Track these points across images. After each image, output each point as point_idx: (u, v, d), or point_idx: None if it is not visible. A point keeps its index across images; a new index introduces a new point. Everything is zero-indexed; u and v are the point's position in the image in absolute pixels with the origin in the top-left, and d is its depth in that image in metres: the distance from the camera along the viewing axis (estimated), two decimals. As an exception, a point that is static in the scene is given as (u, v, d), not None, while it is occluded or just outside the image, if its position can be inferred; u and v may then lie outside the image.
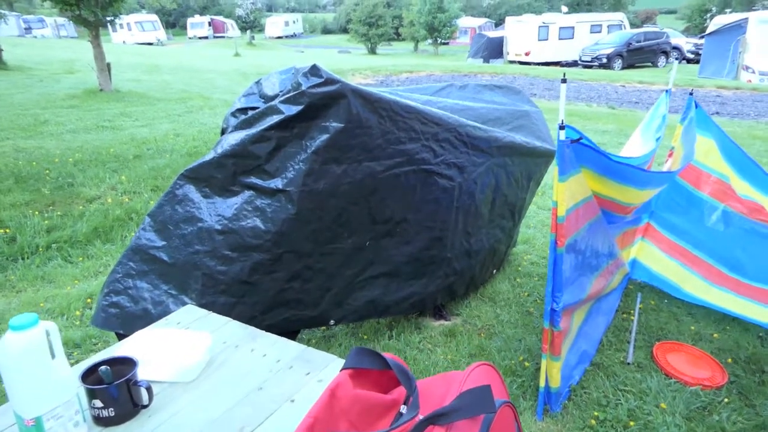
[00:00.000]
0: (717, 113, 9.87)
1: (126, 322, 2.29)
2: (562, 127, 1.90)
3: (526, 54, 23.17)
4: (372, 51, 33.01)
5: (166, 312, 2.27)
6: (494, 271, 3.41)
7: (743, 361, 2.68)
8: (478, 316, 3.07)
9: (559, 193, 1.98)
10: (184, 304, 2.27)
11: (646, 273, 3.33)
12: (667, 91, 2.85)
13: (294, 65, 2.38)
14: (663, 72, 19.06)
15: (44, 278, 3.57)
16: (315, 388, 1.39)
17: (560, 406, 2.34)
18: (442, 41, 32.55)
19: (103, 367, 1.23)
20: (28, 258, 3.74)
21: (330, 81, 2.04)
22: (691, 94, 2.78)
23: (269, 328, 1.72)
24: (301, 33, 51.33)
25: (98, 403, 1.24)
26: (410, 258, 2.64)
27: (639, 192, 2.28)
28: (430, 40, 32.82)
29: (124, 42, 32.08)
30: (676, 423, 2.26)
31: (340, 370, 1.15)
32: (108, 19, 8.51)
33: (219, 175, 2.22)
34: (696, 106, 2.77)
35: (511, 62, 23.35)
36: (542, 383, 2.28)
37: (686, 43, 23.72)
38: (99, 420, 1.25)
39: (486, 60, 24.36)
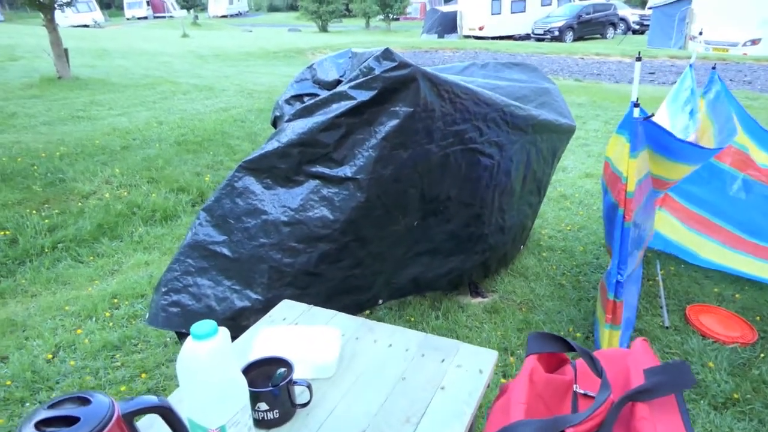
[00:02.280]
0: (676, 82, 10.29)
1: (189, 321, 2.22)
2: (636, 105, 1.96)
3: (480, 28, 23.29)
4: (323, 29, 32.29)
5: (230, 308, 2.23)
6: (521, 246, 3.49)
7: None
8: (513, 292, 3.16)
9: (631, 168, 2.04)
10: (249, 299, 2.23)
11: (662, 241, 3.49)
12: (690, 65, 2.97)
13: (349, 49, 2.32)
14: (613, 43, 19.63)
15: (57, 280, 3.40)
16: (458, 374, 1.41)
17: (617, 371, 2.45)
18: (394, 17, 32.24)
19: (281, 370, 1.21)
20: (35, 260, 3.54)
21: (403, 65, 2.02)
22: (713, 68, 2.91)
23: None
24: (247, 11, 49.63)
25: (263, 405, 1.22)
26: (451, 235, 2.68)
27: (687, 168, 2.38)
28: (381, 16, 32.43)
29: (57, 25, 30.12)
30: (724, 379, 2.42)
31: (527, 356, 1.18)
32: (64, 1, 7.99)
33: (283, 165, 2.17)
34: (719, 80, 2.90)
35: (466, 37, 23.44)
36: (604, 352, 2.39)
37: (632, 15, 24.46)
38: (262, 423, 1.23)
39: (440, 35, 24.33)
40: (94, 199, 4.27)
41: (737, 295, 3.08)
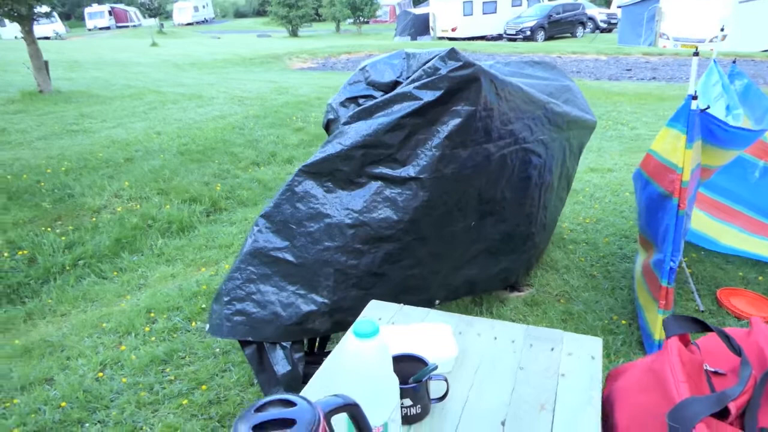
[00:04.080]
0: (654, 78, 10.62)
1: (255, 329, 2.21)
2: (694, 98, 2.04)
3: (453, 30, 23.55)
4: (293, 33, 32.15)
5: (297, 313, 2.22)
6: (548, 240, 3.56)
7: (793, 298, 3.01)
8: (548, 284, 3.22)
9: (686, 159, 2.12)
10: (315, 302, 2.23)
11: (682, 229, 3.60)
12: (714, 60, 3.08)
13: (403, 50, 2.35)
14: (585, 41, 20.10)
15: (85, 298, 3.32)
16: (573, 362, 1.44)
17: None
18: (364, 20, 32.34)
19: (432, 365, 1.22)
20: (57, 278, 3.45)
21: (468, 64, 2.05)
22: (734, 62, 3.03)
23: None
24: (213, 18, 49.08)
25: (407, 401, 1.23)
26: (505, 235, 2.71)
27: (733, 153, 2.47)
28: (351, 20, 32.48)
29: (16, 37, 29.07)
30: (767, 358, 2.52)
31: (667, 338, 1.22)
32: (44, 11, 7.77)
33: (345, 167, 2.17)
34: (743, 73, 3.02)
35: (440, 38, 23.67)
36: (657, 336, 2.46)
37: (599, 14, 25.10)
38: (406, 418, 1.24)
39: (413, 37, 24.52)
40: (107, 214, 4.18)
41: (761, 278, 3.20)
